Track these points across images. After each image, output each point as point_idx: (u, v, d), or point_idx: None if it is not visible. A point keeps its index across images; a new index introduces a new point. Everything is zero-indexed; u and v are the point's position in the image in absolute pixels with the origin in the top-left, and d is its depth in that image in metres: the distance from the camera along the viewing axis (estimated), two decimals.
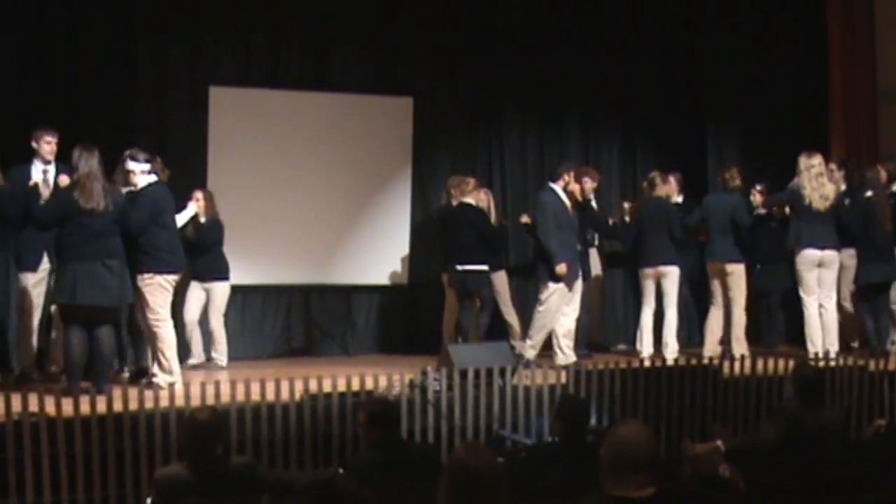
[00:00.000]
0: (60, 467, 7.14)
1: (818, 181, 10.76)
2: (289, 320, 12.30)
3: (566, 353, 10.57)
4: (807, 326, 10.84)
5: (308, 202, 11.98)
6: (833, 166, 11.20)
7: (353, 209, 12.20)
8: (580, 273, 10.78)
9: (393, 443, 6.41)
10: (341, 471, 6.34)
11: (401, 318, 12.59)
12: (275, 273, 11.90)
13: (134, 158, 9.08)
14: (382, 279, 12.20)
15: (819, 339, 10.71)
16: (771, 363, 9.49)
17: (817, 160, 10.79)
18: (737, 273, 11.20)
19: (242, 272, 11.33)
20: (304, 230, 11.99)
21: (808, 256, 10.78)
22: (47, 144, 9.43)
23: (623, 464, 4.20)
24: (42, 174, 9.34)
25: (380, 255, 12.13)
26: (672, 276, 11.32)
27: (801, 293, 10.85)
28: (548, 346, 10.86)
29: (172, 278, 9.09)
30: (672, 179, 12.00)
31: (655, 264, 11.31)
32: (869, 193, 11.12)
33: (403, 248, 12.38)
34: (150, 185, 9.09)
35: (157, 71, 11.57)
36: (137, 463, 7.32)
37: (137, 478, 7.30)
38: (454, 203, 11.43)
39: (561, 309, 10.64)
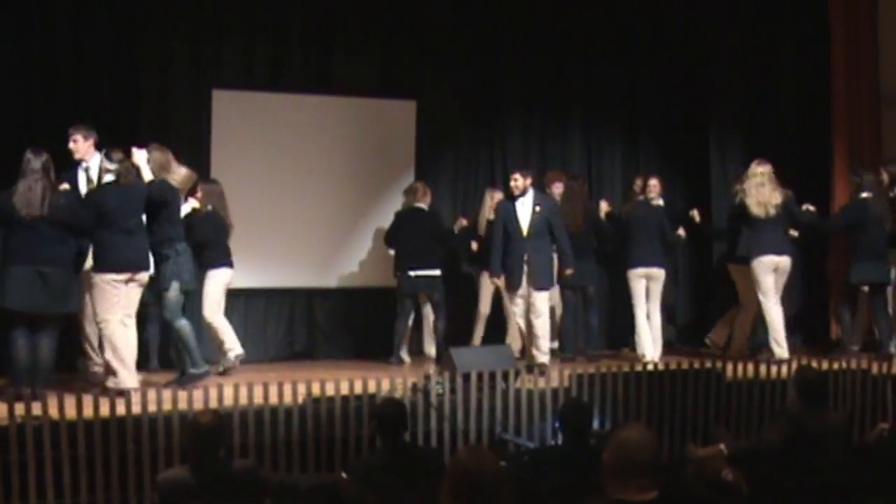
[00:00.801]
0: (63, 470, 7.14)
1: (758, 190, 11.10)
2: (291, 324, 12.29)
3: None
4: (771, 329, 11.10)
5: (311, 205, 11.98)
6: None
7: (355, 212, 12.20)
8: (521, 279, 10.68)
9: (397, 446, 6.41)
10: (344, 474, 6.34)
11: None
12: (277, 276, 11.90)
13: (108, 157, 9.09)
14: (385, 282, 12.18)
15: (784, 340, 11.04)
16: (774, 367, 9.49)
17: (762, 169, 11.16)
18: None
19: (245, 275, 11.33)
20: (307, 234, 11.99)
21: (766, 262, 11.09)
22: (72, 143, 9.49)
23: (626, 467, 4.20)
24: (84, 172, 9.42)
25: (382, 258, 12.11)
26: (660, 278, 11.57)
27: (761, 297, 11.11)
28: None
29: (112, 277, 8.83)
30: (653, 182, 12.10)
31: (645, 265, 11.48)
32: (865, 195, 11.24)
33: None
34: (102, 185, 9.09)
35: (160, 74, 11.56)
36: (140, 466, 7.32)
37: (140, 481, 7.30)
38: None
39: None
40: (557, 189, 11.96)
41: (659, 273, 11.56)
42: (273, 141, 11.91)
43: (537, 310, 10.58)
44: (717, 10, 13.55)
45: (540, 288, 10.61)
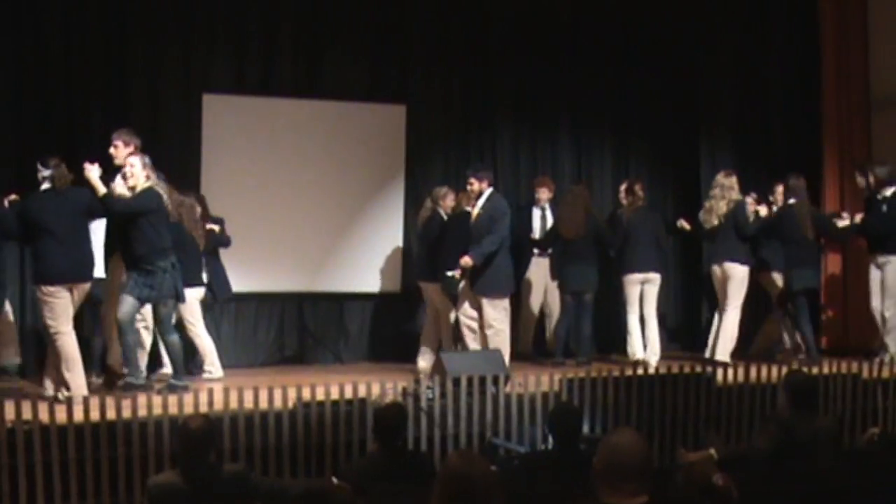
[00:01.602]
0: (54, 475, 7.13)
1: (710, 202, 11.48)
2: (282, 328, 12.28)
3: None
4: (723, 332, 11.30)
5: (301, 210, 11.98)
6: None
7: (346, 217, 12.19)
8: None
9: (393, 451, 6.42)
10: (335, 479, 6.33)
11: (394, 326, 12.57)
12: (267, 281, 11.89)
13: (43, 164, 8.91)
14: (375, 287, 12.19)
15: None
16: (764, 371, 9.50)
17: (721, 180, 11.53)
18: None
19: (235, 280, 11.31)
20: (297, 238, 11.99)
21: (712, 273, 11.53)
22: (113, 148, 9.51)
23: (616, 472, 4.20)
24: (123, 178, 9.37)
25: (373, 262, 12.13)
26: (657, 282, 11.60)
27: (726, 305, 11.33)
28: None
29: (49, 289, 8.72)
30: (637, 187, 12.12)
31: (643, 270, 11.49)
32: (792, 201, 11.38)
33: (396, 255, 12.38)
34: (37, 193, 8.93)
35: (150, 78, 11.56)
36: (130, 470, 7.32)
37: (130, 485, 7.30)
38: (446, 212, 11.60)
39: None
40: (545, 194, 12.00)
41: (655, 277, 11.60)
42: (263, 145, 11.91)
43: (486, 318, 10.38)
44: (706, 14, 13.56)
45: (479, 294, 10.40)
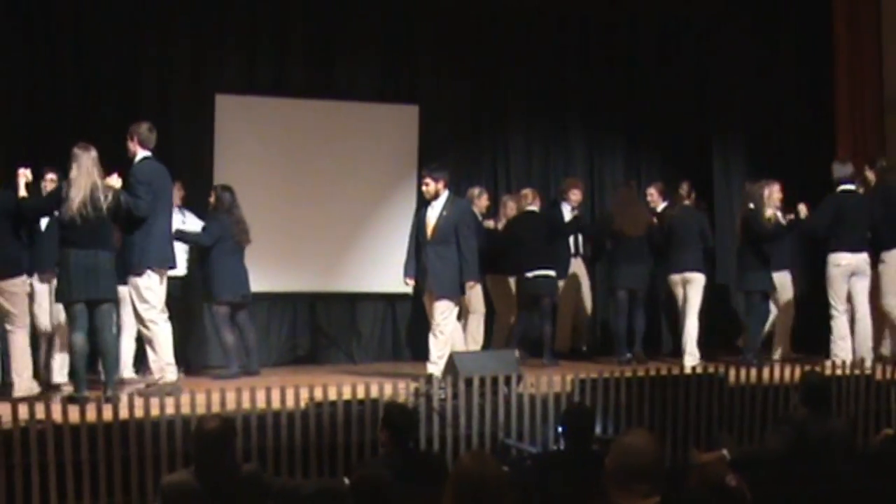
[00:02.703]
0: (67, 474, 7.14)
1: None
2: (294, 328, 12.31)
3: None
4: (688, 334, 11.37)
5: (314, 210, 11.99)
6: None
7: (358, 217, 12.21)
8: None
9: (404, 452, 6.41)
10: (346, 480, 6.33)
11: (406, 326, 12.59)
12: (280, 281, 11.90)
13: None
14: (388, 287, 12.19)
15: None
16: (777, 372, 9.48)
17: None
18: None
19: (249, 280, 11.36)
20: (309, 238, 12.01)
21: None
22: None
23: (628, 473, 4.19)
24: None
25: (385, 263, 12.11)
26: (698, 282, 11.54)
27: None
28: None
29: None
30: (654, 189, 12.28)
31: (683, 270, 11.54)
32: (751, 206, 11.41)
33: None
34: None
35: (163, 79, 11.62)
36: (143, 470, 7.33)
37: (143, 485, 7.31)
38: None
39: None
40: (576, 196, 12.02)
41: (698, 277, 11.56)
42: (276, 146, 11.94)
43: (436, 319, 10.06)
44: (718, 16, 13.54)
45: (440, 296, 10.06)
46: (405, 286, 10.53)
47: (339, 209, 12.11)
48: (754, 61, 13.66)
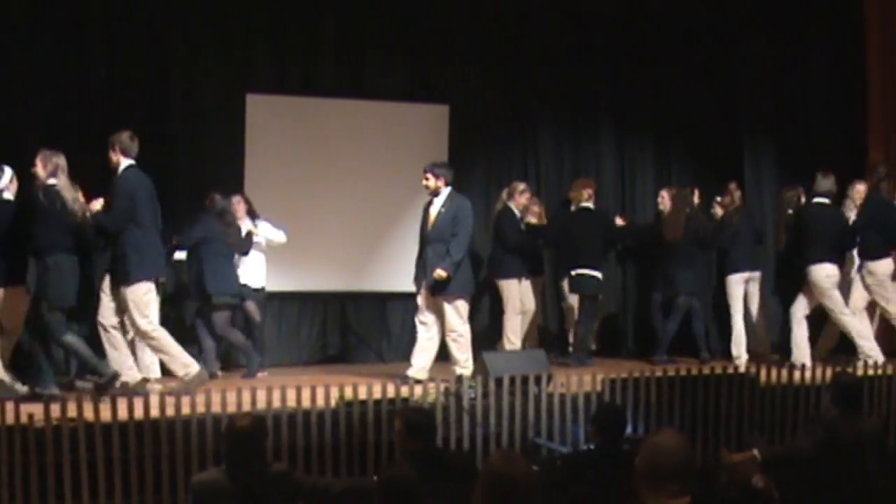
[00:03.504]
0: (98, 472, 7.19)
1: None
2: (324, 327, 12.33)
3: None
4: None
5: (344, 209, 12.01)
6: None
7: (388, 216, 12.21)
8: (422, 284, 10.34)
9: (430, 452, 6.40)
10: (376, 478, 6.34)
11: None
12: (311, 280, 11.92)
13: None
14: None
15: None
16: (808, 372, 9.44)
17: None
18: None
19: (278, 279, 11.42)
20: (339, 237, 12.02)
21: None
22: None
23: (658, 472, 4.19)
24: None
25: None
26: (758, 280, 11.82)
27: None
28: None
29: None
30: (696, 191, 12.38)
31: (750, 269, 11.68)
32: (790, 212, 11.62)
33: None
34: None
35: (193, 79, 11.64)
36: (174, 468, 7.36)
37: (174, 483, 7.35)
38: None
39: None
40: (588, 195, 12.01)
41: (758, 276, 11.81)
42: (306, 145, 11.96)
43: (447, 320, 10.14)
44: (747, 13, 13.47)
45: (437, 294, 10.10)
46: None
47: (370, 208, 12.13)
48: (785, 60, 13.59)
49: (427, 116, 12.51)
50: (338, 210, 12.00)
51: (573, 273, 11.82)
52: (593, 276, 11.77)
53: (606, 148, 13.42)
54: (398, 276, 12.03)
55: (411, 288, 10.59)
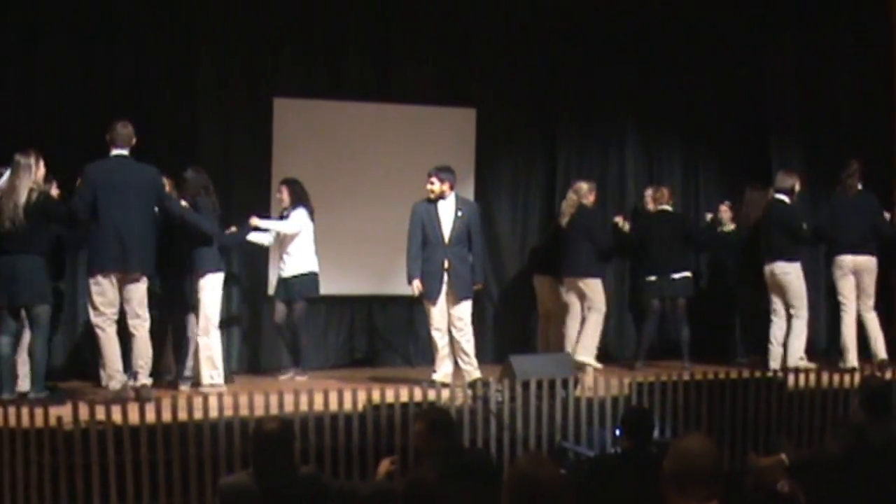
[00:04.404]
0: (126, 475, 7.22)
1: None
2: (351, 331, 12.35)
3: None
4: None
5: (371, 213, 12.01)
6: None
7: None
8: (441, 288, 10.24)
9: (454, 449, 6.40)
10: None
11: None
12: (338, 284, 11.93)
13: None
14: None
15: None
16: (836, 376, 9.41)
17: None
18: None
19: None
20: (366, 241, 12.03)
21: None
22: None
23: (686, 476, 4.18)
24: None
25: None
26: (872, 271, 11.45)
27: None
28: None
29: None
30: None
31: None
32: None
33: None
34: None
35: (220, 83, 11.68)
36: (202, 471, 7.39)
37: (202, 486, 7.37)
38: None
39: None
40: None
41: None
42: (333, 149, 11.99)
43: (463, 322, 10.19)
44: (774, 16, 13.43)
45: (462, 298, 10.18)
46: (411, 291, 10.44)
47: (396, 212, 12.07)
48: (811, 63, 13.54)
49: (454, 120, 12.52)
50: (364, 214, 12.01)
51: (652, 277, 12.03)
52: (678, 278, 11.97)
53: (632, 151, 13.40)
54: None
55: None
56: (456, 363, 10.20)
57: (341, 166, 12.00)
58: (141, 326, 8.99)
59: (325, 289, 11.71)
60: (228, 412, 7.56)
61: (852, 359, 10.89)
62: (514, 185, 12.92)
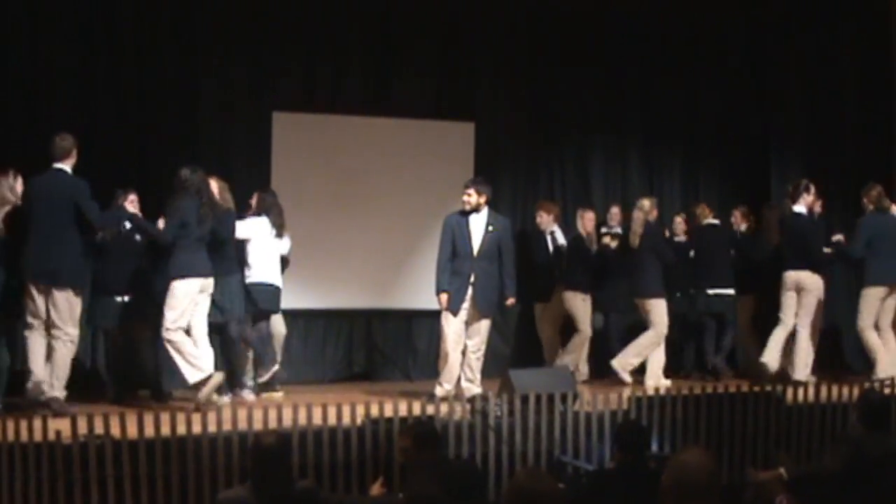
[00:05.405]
0: (125, 489, 7.21)
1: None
2: (350, 345, 12.34)
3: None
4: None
5: (370, 227, 12.03)
6: None
7: (414, 234, 12.22)
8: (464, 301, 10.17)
9: (441, 460, 6.40)
10: (401, 496, 6.34)
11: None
12: (337, 298, 11.95)
13: None
14: None
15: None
16: (835, 390, 9.41)
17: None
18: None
19: (305, 296, 11.45)
20: (366, 255, 12.04)
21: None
22: None
23: (684, 490, 4.18)
24: None
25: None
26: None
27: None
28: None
29: None
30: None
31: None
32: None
33: None
34: None
35: (221, 97, 11.69)
36: (200, 485, 7.38)
37: (200, 499, 7.36)
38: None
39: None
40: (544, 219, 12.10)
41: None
42: (333, 163, 12.00)
43: (480, 339, 10.18)
44: (777, 33, 13.47)
45: (483, 315, 10.15)
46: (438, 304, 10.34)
47: (395, 226, 12.15)
48: (813, 75, 13.56)
49: (453, 134, 12.55)
50: (364, 227, 12.02)
51: (710, 292, 12.03)
52: (725, 295, 12.02)
53: (634, 164, 13.42)
54: (424, 293, 12.00)
55: (437, 306, 10.54)
56: (458, 378, 10.17)
57: (341, 180, 12.01)
58: (59, 340, 8.91)
59: (324, 302, 11.76)
60: (227, 426, 7.56)
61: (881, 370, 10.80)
62: (514, 199, 12.92)
